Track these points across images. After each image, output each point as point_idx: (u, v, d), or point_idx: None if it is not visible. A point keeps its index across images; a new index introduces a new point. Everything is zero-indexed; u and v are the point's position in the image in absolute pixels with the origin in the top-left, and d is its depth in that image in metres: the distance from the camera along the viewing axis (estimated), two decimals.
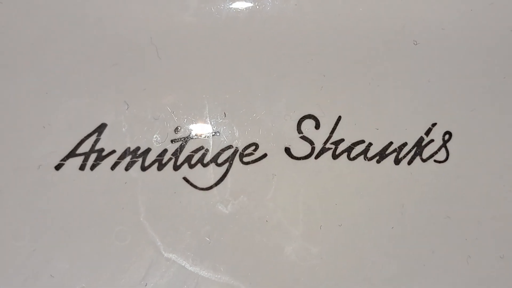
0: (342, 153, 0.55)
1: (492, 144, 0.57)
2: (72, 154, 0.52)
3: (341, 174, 0.55)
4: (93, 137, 0.52)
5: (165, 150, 0.53)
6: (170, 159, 0.53)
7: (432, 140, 0.56)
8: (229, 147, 0.54)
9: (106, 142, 0.52)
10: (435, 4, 0.55)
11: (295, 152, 0.55)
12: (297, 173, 0.55)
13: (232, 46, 0.53)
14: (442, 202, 0.56)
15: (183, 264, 0.54)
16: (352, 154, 0.55)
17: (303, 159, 0.55)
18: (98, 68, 0.52)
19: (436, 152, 0.56)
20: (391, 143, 0.56)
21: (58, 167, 0.52)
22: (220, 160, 0.54)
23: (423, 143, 0.56)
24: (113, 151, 0.52)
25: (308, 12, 0.54)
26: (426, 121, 0.56)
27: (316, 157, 0.55)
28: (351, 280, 0.56)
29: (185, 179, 0.53)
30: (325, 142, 0.55)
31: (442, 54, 0.56)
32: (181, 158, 0.53)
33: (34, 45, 0.51)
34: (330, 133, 0.55)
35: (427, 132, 0.56)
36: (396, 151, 0.56)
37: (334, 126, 0.55)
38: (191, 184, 0.53)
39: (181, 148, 0.53)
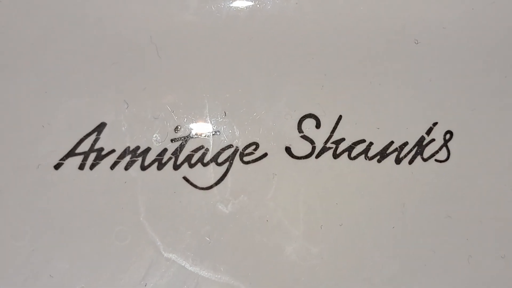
0: (343, 153, 0.55)
1: (493, 143, 0.57)
2: (71, 153, 0.51)
3: (341, 173, 0.55)
4: (93, 136, 0.52)
5: (165, 150, 0.53)
6: (170, 158, 0.53)
7: (433, 140, 0.56)
8: (229, 146, 0.54)
9: (105, 142, 0.52)
10: (436, 3, 0.55)
11: (295, 152, 0.54)
12: (297, 173, 0.54)
13: (232, 45, 0.53)
14: (443, 202, 0.56)
15: (183, 264, 0.54)
16: (353, 154, 0.55)
17: (303, 159, 0.54)
18: (98, 67, 0.52)
19: (437, 152, 0.56)
20: (392, 142, 0.56)
21: (57, 166, 0.51)
22: (220, 160, 0.53)
23: (424, 143, 0.56)
24: (113, 151, 0.52)
25: (309, 11, 0.54)
26: (427, 120, 0.56)
27: (317, 157, 0.55)
28: (351, 280, 0.56)
29: (185, 178, 0.53)
30: (326, 142, 0.55)
31: (443, 53, 0.56)
32: (181, 158, 0.53)
33: (34, 45, 0.51)
34: (330, 133, 0.55)
35: (428, 132, 0.56)
36: (397, 151, 0.56)
37: (334, 126, 0.55)
38: (191, 184, 0.53)
39: (181, 147, 0.53)
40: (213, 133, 0.53)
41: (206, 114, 0.53)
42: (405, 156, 0.56)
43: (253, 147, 0.54)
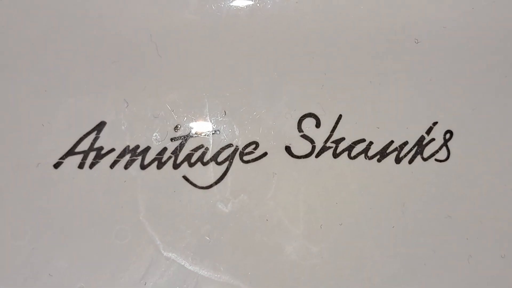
0: (343, 152, 0.55)
1: (494, 143, 0.57)
2: (71, 152, 0.51)
3: (341, 173, 0.55)
4: (92, 135, 0.52)
5: (165, 149, 0.53)
6: (169, 157, 0.53)
7: (433, 139, 0.56)
8: (229, 145, 0.53)
9: (105, 140, 0.52)
10: (436, 3, 0.55)
11: (295, 151, 0.54)
12: (297, 172, 0.54)
13: (232, 44, 0.53)
14: (443, 201, 0.56)
15: (182, 263, 0.54)
16: (353, 153, 0.55)
17: (303, 158, 0.54)
18: (98, 66, 0.52)
19: (437, 151, 0.56)
20: (392, 142, 0.56)
21: (57, 165, 0.51)
22: (220, 159, 0.53)
23: (424, 142, 0.56)
24: (112, 149, 0.52)
25: (309, 10, 0.54)
26: (427, 120, 0.56)
27: (317, 156, 0.55)
28: (351, 279, 0.56)
29: (185, 177, 0.53)
30: (326, 141, 0.55)
31: (444, 53, 0.56)
32: (181, 157, 0.53)
33: (34, 44, 0.51)
34: (330, 132, 0.55)
35: (428, 131, 0.56)
36: (397, 150, 0.56)
37: (334, 125, 0.55)
38: (191, 183, 0.53)
39: (181, 146, 0.53)
40: (213, 132, 0.53)
41: (206, 113, 0.53)
42: (405, 155, 0.56)
43: (253, 146, 0.54)
